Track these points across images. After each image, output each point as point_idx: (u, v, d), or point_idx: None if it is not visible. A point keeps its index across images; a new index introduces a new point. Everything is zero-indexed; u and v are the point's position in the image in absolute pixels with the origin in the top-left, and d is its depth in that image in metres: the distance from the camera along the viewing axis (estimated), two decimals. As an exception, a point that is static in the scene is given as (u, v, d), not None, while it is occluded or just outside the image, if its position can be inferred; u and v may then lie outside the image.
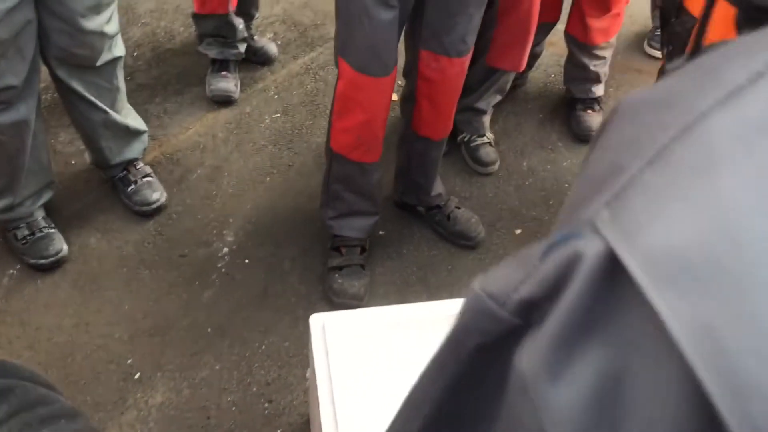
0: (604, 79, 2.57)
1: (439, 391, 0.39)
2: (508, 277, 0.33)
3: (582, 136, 2.54)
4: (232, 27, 2.57)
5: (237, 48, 2.63)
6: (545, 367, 0.30)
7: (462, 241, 2.16)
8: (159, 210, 2.20)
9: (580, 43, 2.49)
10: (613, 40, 2.51)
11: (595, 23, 2.41)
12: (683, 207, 0.27)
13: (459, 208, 2.19)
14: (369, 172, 1.96)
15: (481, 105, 2.38)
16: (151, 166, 2.29)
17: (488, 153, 2.40)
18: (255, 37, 2.79)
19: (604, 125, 0.36)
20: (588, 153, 0.38)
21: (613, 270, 0.28)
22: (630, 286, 0.27)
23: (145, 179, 2.21)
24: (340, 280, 2.01)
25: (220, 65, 2.65)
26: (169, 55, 2.85)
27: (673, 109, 0.31)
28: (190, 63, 2.80)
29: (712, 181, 0.27)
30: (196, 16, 2.56)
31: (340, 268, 2.02)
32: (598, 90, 2.57)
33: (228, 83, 2.63)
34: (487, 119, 2.45)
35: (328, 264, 2.04)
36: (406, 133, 2.05)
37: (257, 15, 2.78)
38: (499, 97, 2.43)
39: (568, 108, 2.62)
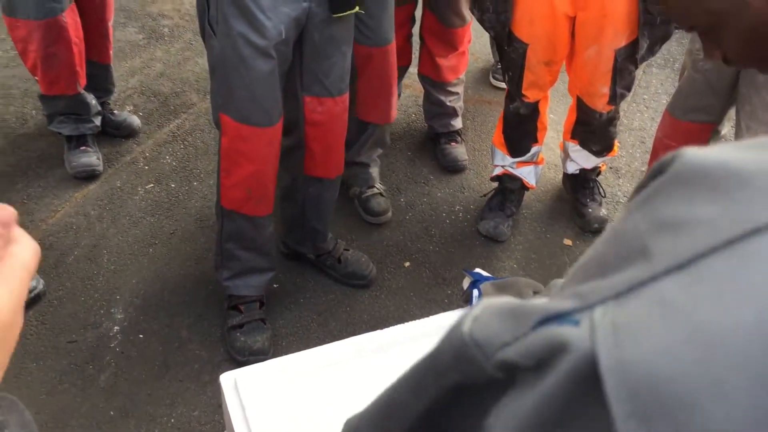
0: (460, 112, 2.76)
1: (416, 412, 0.39)
2: (497, 331, 0.33)
3: (450, 167, 2.69)
4: (85, 104, 2.52)
5: (92, 122, 2.58)
6: None
7: (355, 281, 2.21)
8: (38, 298, 2.09)
9: (434, 82, 2.66)
10: (462, 76, 2.71)
11: (445, 62, 2.60)
12: (688, 335, 0.25)
13: (347, 249, 2.24)
14: (262, 226, 1.96)
15: (362, 159, 2.42)
16: (22, 254, 2.17)
17: (379, 203, 2.43)
18: (115, 112, 2.74)
19: (656, 173, 0.34)
20: (631, 198, 0.35)
21: (592, 375, 0.27)
22: (602, 399, 0.26)
23: (17, 269, 2.09)
24: (242, 338, 1.98)
25: (78, 141, 2.57)
26: (24, 139, 2.74)
27: (727, 207, 0.28)
28: (48, 145, 2.70)
29: (734, 315, 0.25)
30: (43, 98, 2.48)
31: (240, 326, 2.00)
32: (457, 123, 2.75)
33: (90, 157, 2.56)
34: (375, 171, 2.48)
35: (228, 324, 2.02)
36: (297, 182, 2.07)
37: (114, 89, 2.74)
38: (379, 150, 2.47)
39: (432, 143, 2.78)
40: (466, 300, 1.70)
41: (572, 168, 2.44)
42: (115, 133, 2.72)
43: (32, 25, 2.24)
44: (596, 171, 2.49)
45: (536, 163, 2.39)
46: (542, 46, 2.03)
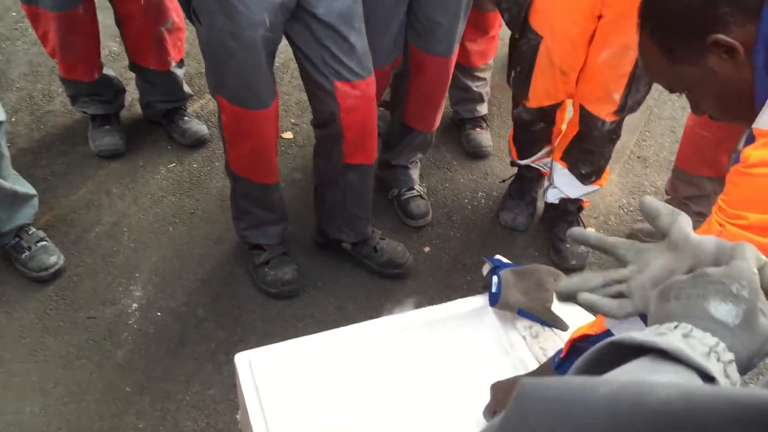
0: (486, 98, 2.71)
1: None
2: None
3: (474, 153, 2.65)
4: (106, 86, 2.51)
5: (116, 102, 2.57)
6: None
7: (391, 270, 2.17)
8: (58, 274, 2.10)
9: (461, 67, 2.61)
10: (491, 62, 2.66)
11: (474, 47, 2.55)
12: None
13: (383, 239, 2.20)
14: (271, 190, 2.03)
15: (400, 161, 2.38)
16: (44, 230, 2.19)
17: (418, 206, 2.36)
18: (185, 118, 2.65)
19: None
20: None
21: None
22: None
23: (39, 244, 2.11)
24: (272, 272, 2.08)
25: (102, 120, 2.57)
26: (50, 117, 2.75)
27: None
28: (72, 123, 2.72)
29: None
30: (64, 80, 2.47)
31: (266, 262, 2.09)
32: (483, 109, 2.70)
33: (113, 137, 2.56)
34: (415, 173, 2.43)
35: (254, 262, 2.10)
36: (336, 171, 1.99)
37: (186, 96, 2.65)
38: (420, 155, 2.42)
39: (457, 128, 2.74)
40: (486, 286, 1.67)
41: (553, 196, 2.23)
42: (180, 140, 2.62)
43: (49, 15, 2.23)
44: (578, 204, 2.28)
45: (549, 156, 2.25)
46: (559, 45, 1.84)
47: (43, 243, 2.12)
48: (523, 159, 2.21)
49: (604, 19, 1.79)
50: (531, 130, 2.11)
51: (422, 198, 2.39)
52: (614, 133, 2.02)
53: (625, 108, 1.91)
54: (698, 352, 0.51)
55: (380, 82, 2.04)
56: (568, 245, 2.25)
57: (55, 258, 2.10)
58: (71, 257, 2.17)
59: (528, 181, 2.38)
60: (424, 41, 2.05)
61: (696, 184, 2.19)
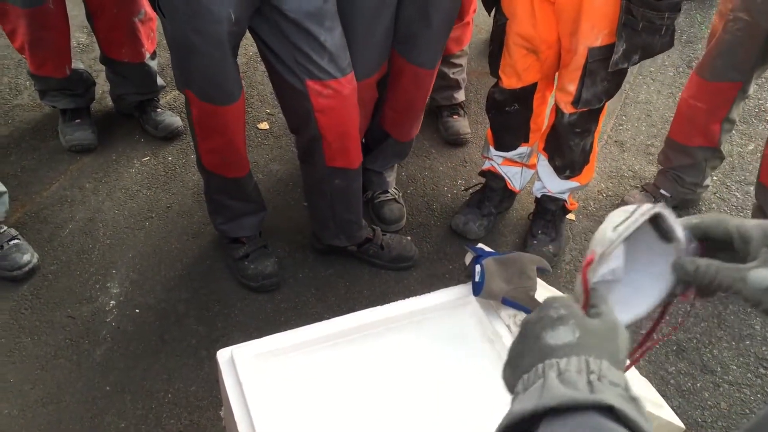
0: (463, 85, 2.69)
1: None
2: None
3: (452, 140, 2.64)
4: (77, 80, 2.45)
5: (87, 95, 2.52)
6: None
7: (402, 264, 2.14)
8: (32, 272, 2.06)
9: (437, 53, 2.59)
10: (466, 48, 2.64)
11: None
12: None
13: (385, 234, 2.17)
14: (245, 182, 1.99)
15: (375, 167, 2.32)
16: (16, 227, 2.14)
17: (392, 210, 2.30)
18: (158, 110, 2.60)
19: None
20: None
21: None
22: None
23: (11, 242, 2.06)
24: (252, 266, 2.05)
25: (72, 113, 2.51)
26: (19, 111, 2.69)
27: None
28: (42, 116, 2.66)
29: None
30: (33, 75, 2.40)
31: (246, 256, 2.06)
32: (460, 96, 2.69)
33: (84, 131, 2.51)
34: (390, 176, 2.37)
35: (234, 256, 2.08)
36: (322, 176, 1.92)
37: (158, 88, 2.59)
38: (397, 160, 2.38)
39: (435, 116, 2.72)
40: (469, 275, 1.67)
41: (537, 188, 2.20)
42: (153, 132, 2.58)
43: (18, 12, 2.17)
44: (559, 204, 2.20)
45: (525, 166, 2.18)
46: (520, 25, 1.83)
47: (16, 241, 2.07)
48: (500, 149, 2.14)
49: (556, 5, 1.78)
50: (505, 110, 2.04)
51: (397, 202, 2.33)
52: (576, 126, 1.96)
53: (579, 100, 1.86)
54: (580, 386, 0.55)
55: (366, 95, 1.98)
56: (535, 242, 2.21)
57: (28, 256, 2.05)
58: (45, 255, 2.12)
59: (491, 193, 2.27)
60: (404, 47, 1.98)
61: (689, 153, 2.28)
